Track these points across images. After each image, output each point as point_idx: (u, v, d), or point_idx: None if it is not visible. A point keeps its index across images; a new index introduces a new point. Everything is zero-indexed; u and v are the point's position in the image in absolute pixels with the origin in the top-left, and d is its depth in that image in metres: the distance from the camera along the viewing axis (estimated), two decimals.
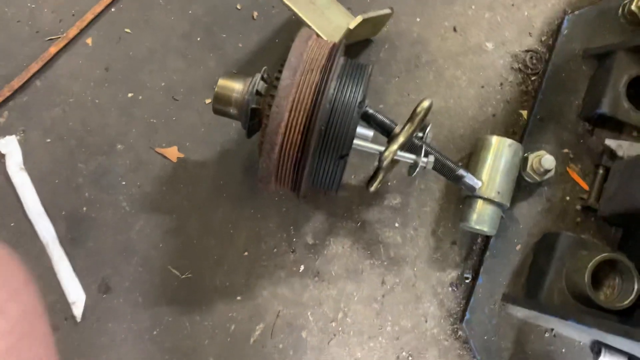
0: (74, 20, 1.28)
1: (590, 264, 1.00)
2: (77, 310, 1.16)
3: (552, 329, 1.15)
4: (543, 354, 1.14)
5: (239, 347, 1.17)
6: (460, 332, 1.18)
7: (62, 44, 1.27)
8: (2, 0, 1.29)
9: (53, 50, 1.27)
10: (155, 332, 1.17)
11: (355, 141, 0.97)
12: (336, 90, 0.93)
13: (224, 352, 1.17)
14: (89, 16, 1.28)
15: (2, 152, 1.21)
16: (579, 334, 1.09)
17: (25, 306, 0.61)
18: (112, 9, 1.30)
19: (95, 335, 1.16)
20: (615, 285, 1.05)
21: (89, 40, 1.29)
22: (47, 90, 1.26)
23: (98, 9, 1.29)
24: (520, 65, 1.28)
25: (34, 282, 0.65)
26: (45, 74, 1.27)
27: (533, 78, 1.27)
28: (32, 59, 1.26)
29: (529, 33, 1.29)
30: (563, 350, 1.15)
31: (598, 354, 1.02)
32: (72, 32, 1.28)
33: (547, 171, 1.13)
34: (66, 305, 1.17)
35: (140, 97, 1.26)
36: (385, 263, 1.20)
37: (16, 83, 1.24)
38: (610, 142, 1.17)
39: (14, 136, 1.23)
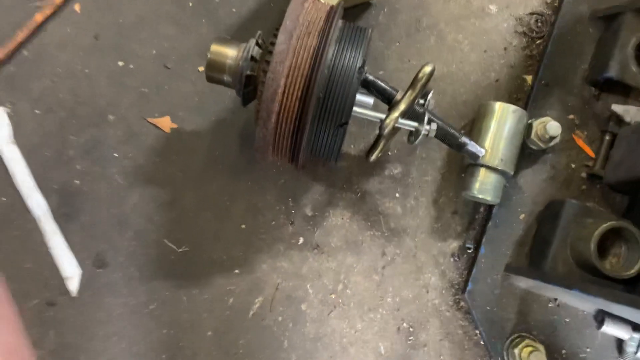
0: None
1: (597, 232, 0.98)
2: (73, 286, 1.14)
3: (556, 299, 1.14)
4: (546, 324, 1.13)
5: (238, 320, 1.15)
6: (462, 303, 1.16)
7: (49, 12, 1.22)
8: None
9: (40, 17, 1.21)
10: (152, 307, 1.15)
11: (355, 109, 0.93)
12: (335, 54, 0.90)
13: (223, 326, 1.15)
14: None
15: None
16: (582, 304, 1.08)
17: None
18: None
19: (92, 310, 1.14)
20: (620, 254, 1.03)
21: (77, 7, 1.24)
22: (35, 60, 1.22)
23: None
24: (524, 28, 1.23)
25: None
26: (32, 43, 1.22)
27: (538, 42, 1.23)
28: (18, 27, 1.21)
29: None
30: (567, 320, 1.13)
31: (601, 323, 1.01)
32: None
33: (552, 138, 1.10)
34: (61, 281, 1.14)
35: (131, 66, 1.21)
36: (386, 234, 1.18)
37: (2, 53, 1.19)
38: (617, 108, 1.13)
39: (2, 108, 1.19)
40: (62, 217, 1.17)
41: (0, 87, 1.20)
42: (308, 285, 1.17)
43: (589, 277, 1.03)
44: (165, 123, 1.19)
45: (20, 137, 1.19)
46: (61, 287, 1.14)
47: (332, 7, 0.94)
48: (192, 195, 1.18)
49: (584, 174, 1.15)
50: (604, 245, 1.03)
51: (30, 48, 1.22)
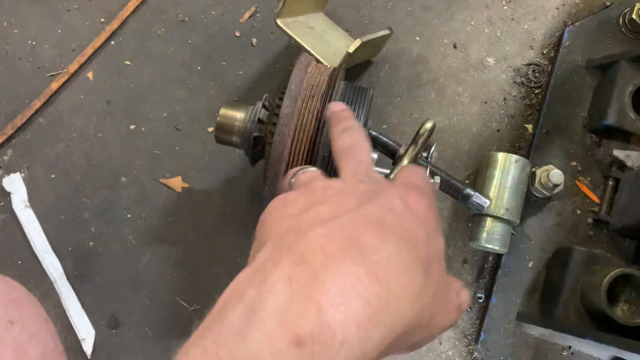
0: (74, 55, 1.29)
1: (605, 281, 0.98)
2: (88, 347, 1.15)
3: (570, 347, 1.13)
4: None
5: None
6: (475, 354, 1.16)
7: (63, 80, 1.28)
8: (3, 39, 1.30)
9: (55, 86, 1.27)
10: None
11: None
12: None
13: None
14: (89, 50, 1.29)
15: (8, 190, 1.21)
16: (597, 351, 1.07)
17: (45, 347, 0.61)
18: (112, 42, 1.31)
19: None
20: (631, 300, 1.03)
21: (90, 74, 1.29)
22: (50, 126, 1.26)
23: (98, 42, 1.29)
24: (523, 79, 1.27)
25: (52, 323, 0.65)
26: (47, 109, 1.27)
27: (536, 91, 1.26)
28: (35, 95, 1.26)
29: (530, 46, 1.29)
30: None
31: None
32: (73, 67, 1.28)
33: (555, 186, 1.11)
34: (76, 342, 1.15)
35: (143, 129, 1.26)
36: None
37: (19, 120, 1.24)
38: (618, 153, 1.15)
39: (18, 173, 1.23)
40: (76, 278, 1.19)
41: (17, 153, 1.25)
42: None
43: (601, 324, 1.02)
44: (177, 183, 1.23)
45: (35, 201, 1.22)
46: (76, 348, 1.15)
47: (334, 70, 0.98)
48: (203, 252, 1.20)
49: (590, 220, 1.16)
50: (614, 291, 1.03)
51: (46, 115, 1.27)
